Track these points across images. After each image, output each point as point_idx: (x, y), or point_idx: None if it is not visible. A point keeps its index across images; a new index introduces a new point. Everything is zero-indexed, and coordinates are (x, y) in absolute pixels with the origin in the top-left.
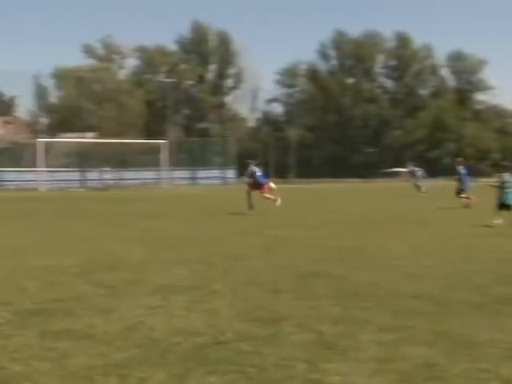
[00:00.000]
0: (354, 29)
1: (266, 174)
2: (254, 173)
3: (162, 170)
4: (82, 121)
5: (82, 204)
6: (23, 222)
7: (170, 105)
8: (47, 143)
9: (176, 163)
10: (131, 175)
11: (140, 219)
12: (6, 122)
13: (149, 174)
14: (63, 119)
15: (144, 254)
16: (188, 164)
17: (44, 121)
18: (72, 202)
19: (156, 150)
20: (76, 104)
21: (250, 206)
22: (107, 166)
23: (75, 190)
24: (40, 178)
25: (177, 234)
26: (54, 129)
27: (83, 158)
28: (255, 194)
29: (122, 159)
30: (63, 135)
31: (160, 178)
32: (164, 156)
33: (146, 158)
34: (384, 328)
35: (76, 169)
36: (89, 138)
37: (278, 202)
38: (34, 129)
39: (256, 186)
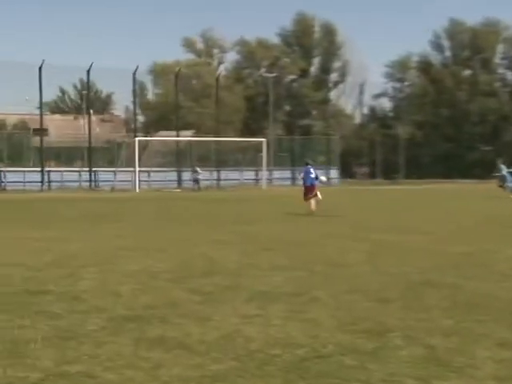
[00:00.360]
0: (471, 17)
1: (372, 174)
2: (308, 174)
3: (262, 170)
4: (179, 118)
5: (177, 205)
6: (117, 224)
7: (271, 100)
8: (144, 142)
9: (276, 162)
10: (229, 175)
11: (237, 221)
12: (103, 120)
13: (247, 174)
14: (160, 117)
15: (241, 258)
16: (289, 163)
17: (141, 119)
18: (167, 203)
19: (255, 148)
20: (173, 101)
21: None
22: (199, 165)
23: (172, 191)
24: (136, 178)
25: (275, 237)
26: (151, 127)
27: (180, 157)
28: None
29: (219, 158)
30: (160, 133)
31: (259, 178)
32: (263, 155)
33: (245, 157)
34: (503, 343)
35: (173, 168)
36: (186, 137)
37: (312, 207)
38: (130, 127)
39: (308, 188)
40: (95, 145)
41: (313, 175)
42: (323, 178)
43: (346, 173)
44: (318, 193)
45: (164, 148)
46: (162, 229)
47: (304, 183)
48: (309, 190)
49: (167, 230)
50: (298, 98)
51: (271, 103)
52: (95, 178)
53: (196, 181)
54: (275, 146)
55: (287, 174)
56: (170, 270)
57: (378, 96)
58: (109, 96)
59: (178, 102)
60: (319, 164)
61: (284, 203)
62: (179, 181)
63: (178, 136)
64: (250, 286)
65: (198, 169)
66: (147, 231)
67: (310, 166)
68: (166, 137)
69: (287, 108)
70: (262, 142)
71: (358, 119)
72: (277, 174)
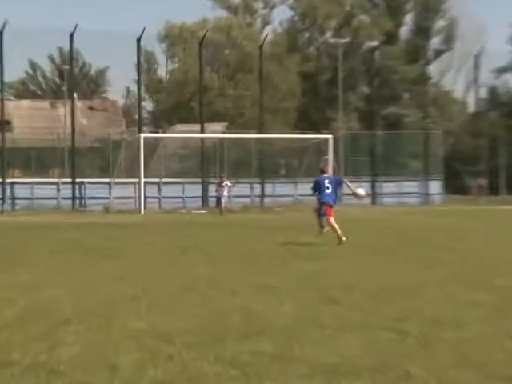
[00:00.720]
0: None
1: (493, 188)
2: (321, 186)
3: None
4: (204, 105)
5: (201, 233)
6: (113, 261)
7: (340, 78)
8: (153, 140)
9: (349, 170)
10: (278, 189)
11: (288, 257)
12: (92, 109)
13: (304, 187)
14: (176, 103)
15: (295, 312)
16: (367, 171)
17: (148, 106)
18: (186, 231)
19: (317, 149)
20: (196, 79)
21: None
22: (227, 176)
23: (193, 213)
24: (141, 193)
25: (346, 280)
26: (163, 118)
27: (206, 163)
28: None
29: (264, 164)
30: (176, 128)
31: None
32: (329, 158)
33: (302, 163)
34: None
35: (195, 179)
36: (215, 132)
37: (324, 231)
38: (132, 119)
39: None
40: (81, 145)
41: (329, 190)
42: (361, 192)
43: (453, 185)
44: (331, 220)
45: (182, 149)
46: (178, 267)
47: (320, 200)
48: (327, 210)
49: (185, 269)
50: (382, 75)
51: (341, 82)
52: (81, 193)
53: (219, 200)
54: (347, 146)
55: (364, 186)
56: (189, 330)
57: (501, 71)
58: (101, 73)
59: (202, 81)
60: (412, 173)
61: (361, 229)
62: (204, 198)
63: (202, 132)
64: (311, 355)
65: (227, 181)
66: (156, 271)
67: (325, 176)
68: (186, 133)
69: (365, 90)
70: (327, 139)
71: (471, 106)
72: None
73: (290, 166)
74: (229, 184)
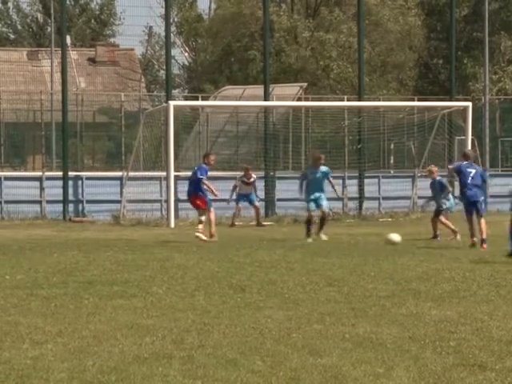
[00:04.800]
0: None
1: None
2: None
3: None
4: (270, 56)
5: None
6: (126, 302)
7: (485, 13)
8: (188, 111)
9: (501, 155)
10: (387, 185)
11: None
12: (94, 62)
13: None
14: (224, 54)
15: None
16: None
17: (180, 59)
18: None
19: (448, 125)
20: (256, 15)
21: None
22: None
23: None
24: (171, 193)
25: None
26: (203, 78)
27: (274, 146)
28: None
29: (366, 148)
30: (226, 92)
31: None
32: (468, 139)
33: (426, 145)
34: None
35: (257, 173)
36: (288, 98)
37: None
38: (156, 77)
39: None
40: (74, 119)
41: (475, 182)
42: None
43: None
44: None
45: (235, 125)
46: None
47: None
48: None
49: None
50: None
51: (486, 20)
52: (77, 194)
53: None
54: (496, 120)
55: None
56: None
57: None
58: (108, 4)
59: (267, 17)
60: None
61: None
62: (270, 200)
63: (267, 98)
64: None
65: (254, 175)
66: (200, 318)
67: (468, 163)
68: (240, 99)
69: None
70: (464, 109)
71: None
72: (499, 181)
73: (401, 152)
74: (253, 177)
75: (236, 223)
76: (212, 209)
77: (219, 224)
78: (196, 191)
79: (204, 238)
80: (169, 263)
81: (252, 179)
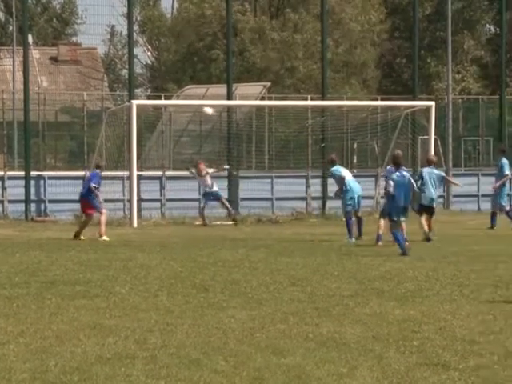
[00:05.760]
0: None
1: None
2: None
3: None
4: (232, 55)
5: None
6: (88, 302)
7: (448, 12)
8: (151, 110)
9: (464, 155)
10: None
11: None
12: (56, 61)
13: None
14: (187, 53)
15: None
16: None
17: (143, 58)
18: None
19: (412, 122)
20: (219, 14)
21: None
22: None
23: (222, 224)
24: (134, 193)
25: None
26: (166, 77)
27: (237, 145)
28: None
29: (330, 147)
30: (188, 91)
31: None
32: (430, 139)
33: (389, 145)
34: None
35: (221, 173)
36: (252, 98)
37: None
38: (118, 77)
39: None
40: (36, 118)
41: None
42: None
43: None
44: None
45: (198, 124)
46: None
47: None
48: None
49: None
50: None
51: (450, 19)
52: (39, 193)
53: (217, 199)
54: (459, 119)
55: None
56: None
57: None
58: (70, 3)
59: (230, 17)
60: None
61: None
62: (234, 199)
63: (230, 97)
64: None
65: (226, 165)
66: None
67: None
68: (203, 98)
69: (490, 30)
70: (426, 108)
71: None
72: (462, 180)
73: (364, 152)
74: (226, 167)
75: (208, 223)
76: (104, 210)
77: (183, 224)
78: (87, 197)
79: (106, 238)
80: (132, 263)
81: (204, 172)
